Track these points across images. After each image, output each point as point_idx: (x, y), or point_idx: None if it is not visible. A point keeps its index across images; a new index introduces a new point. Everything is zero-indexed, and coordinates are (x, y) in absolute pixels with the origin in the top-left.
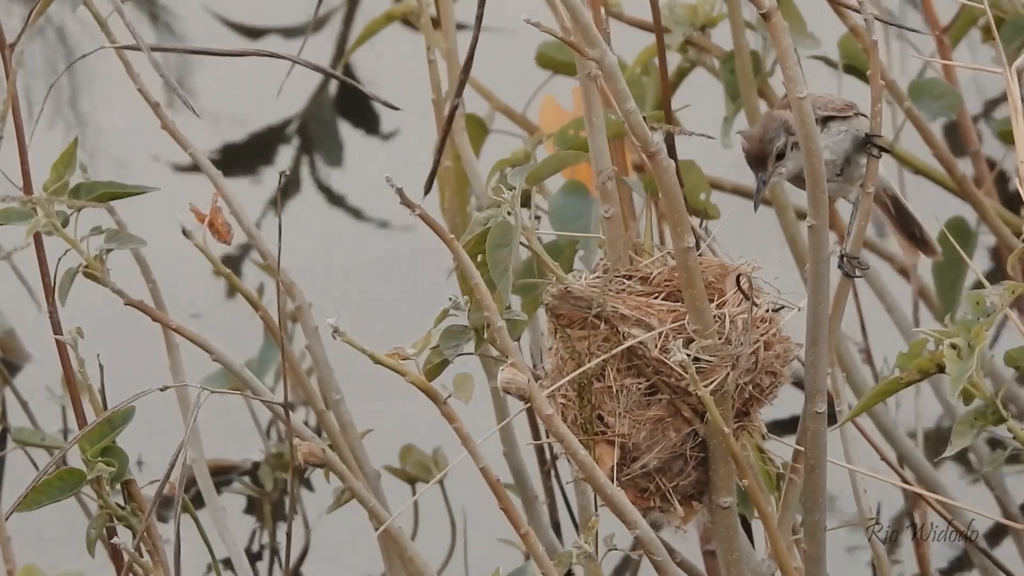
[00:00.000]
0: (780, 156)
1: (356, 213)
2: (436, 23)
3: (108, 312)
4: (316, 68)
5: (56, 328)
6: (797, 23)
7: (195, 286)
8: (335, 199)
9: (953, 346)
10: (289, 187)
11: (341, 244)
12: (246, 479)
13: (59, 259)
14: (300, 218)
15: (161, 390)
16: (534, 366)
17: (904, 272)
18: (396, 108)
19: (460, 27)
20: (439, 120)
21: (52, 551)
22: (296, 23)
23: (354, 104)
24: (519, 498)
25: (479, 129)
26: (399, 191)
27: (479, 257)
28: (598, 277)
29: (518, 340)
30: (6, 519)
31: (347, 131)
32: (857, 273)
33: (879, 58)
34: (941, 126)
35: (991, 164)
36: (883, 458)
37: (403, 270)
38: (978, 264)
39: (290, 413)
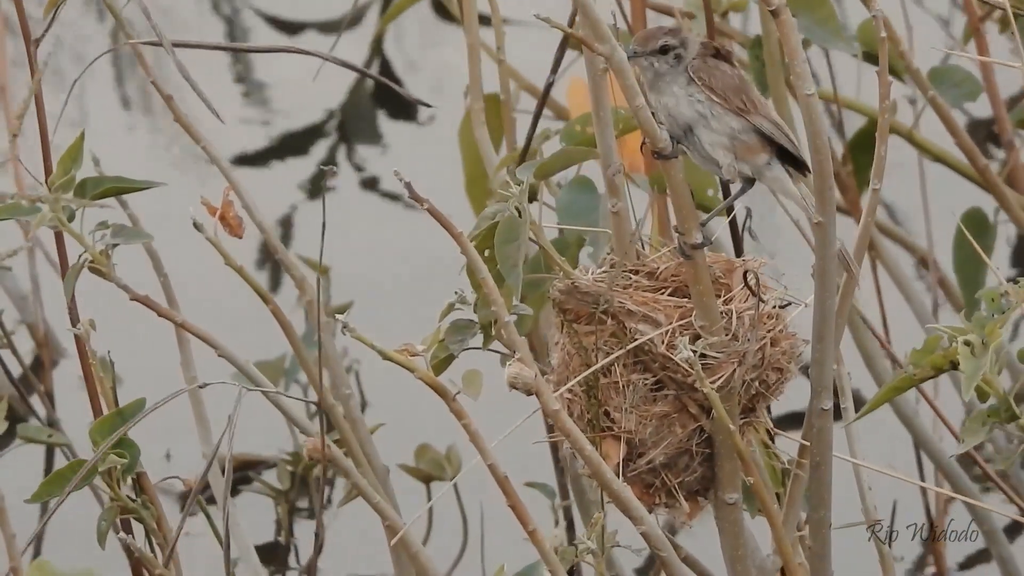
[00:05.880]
0: (664, 52)
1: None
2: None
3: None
4: (348, 65)
5: (74, 321)
6: (831, 22)
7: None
8: (383, 193)
9: (967, 343)
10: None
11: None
12: (268, 473)
13: (80, 256)
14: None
15: (200, 387)
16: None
17: (924, 263)
18: (429, 105)
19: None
20: (506, 121)
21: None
22: (333, 17)
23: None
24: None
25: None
26: (407, 184)
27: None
28: (605, 272)
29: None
30: (33, 520)
31: (386, 122)
32: (688, 253)
33: (887, 55)
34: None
35: None
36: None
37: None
38: (1000, 257)
39: (331, 411)
